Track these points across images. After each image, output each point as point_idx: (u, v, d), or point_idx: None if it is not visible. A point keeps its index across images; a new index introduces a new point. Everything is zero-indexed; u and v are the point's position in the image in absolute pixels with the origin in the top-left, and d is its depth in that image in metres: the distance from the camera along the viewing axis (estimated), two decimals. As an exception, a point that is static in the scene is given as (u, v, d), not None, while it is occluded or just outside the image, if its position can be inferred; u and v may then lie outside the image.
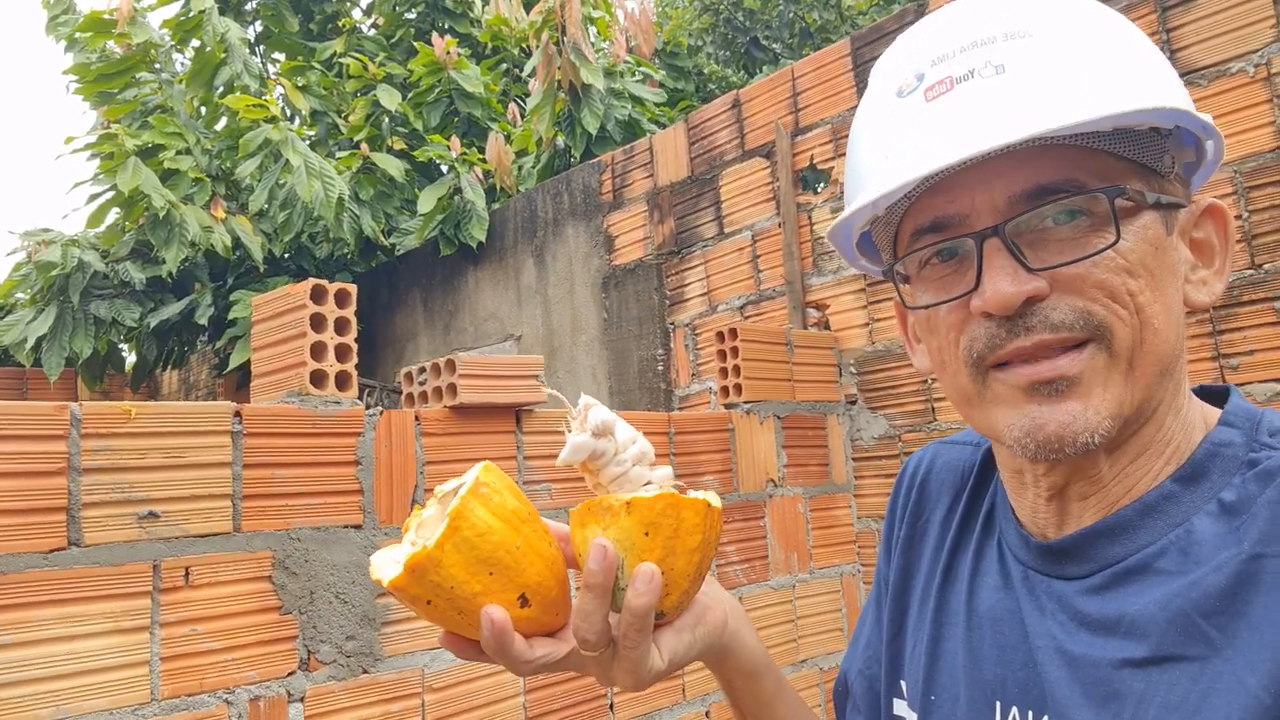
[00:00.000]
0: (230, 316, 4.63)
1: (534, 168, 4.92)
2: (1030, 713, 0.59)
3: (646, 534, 0.60)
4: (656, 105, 5.03)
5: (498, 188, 4.95)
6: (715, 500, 0.63)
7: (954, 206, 0.58)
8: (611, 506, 0.60)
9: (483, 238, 4.25)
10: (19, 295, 4.88)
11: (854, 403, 2.70)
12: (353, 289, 1.62)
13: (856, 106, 2.94)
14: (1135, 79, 0.55)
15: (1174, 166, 0.59)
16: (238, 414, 1.45)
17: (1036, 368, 0.56)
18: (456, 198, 4.43)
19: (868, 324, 2.69)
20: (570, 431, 0.63)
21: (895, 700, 0.72)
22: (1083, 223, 0.55)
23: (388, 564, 0.59)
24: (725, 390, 2.44)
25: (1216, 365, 2.00)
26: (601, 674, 0.63)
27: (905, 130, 0.57)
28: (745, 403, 2.40)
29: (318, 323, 1.57)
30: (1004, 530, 0.67)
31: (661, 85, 5.48)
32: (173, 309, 4.75)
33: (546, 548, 0.61)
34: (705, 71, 6.50)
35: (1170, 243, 0.58)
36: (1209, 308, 0.61)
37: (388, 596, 1.59)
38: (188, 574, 1.38)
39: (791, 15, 6.87)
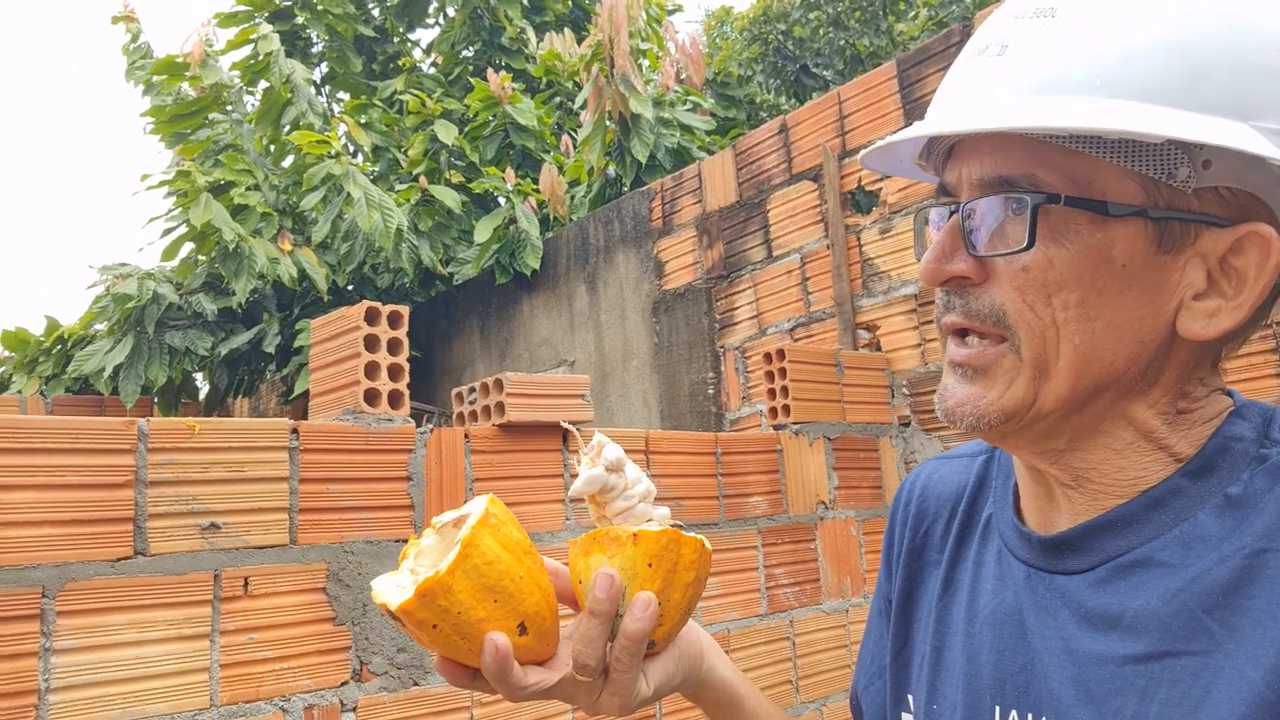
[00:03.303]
0: (296, 345, 4.79)
1: (586, 197, 5.00)
2: (1029, 715, 0.59)
3: (650, 565, 0.64)
4: (707, 133, 5.09)
5: (551, 217, 5.05)
6: (707, 542, 0.68)
7: (951, 175, 0.61)
8: (619, 537, 0.65)
9: (537, 266, 4.34)
10: (98, 326, 5.12)
11: (907, 424, 2.67)
12: (405, 311, 1.67)
13: (904, 128, 2.93)
14: (1113, 85, 0.51)
15: (1191, 180, 0.53)
16: (295, 430, 1.51)
17: (957, 349, 0.60)
18: (511, 228, 4.53)
19: (920, 344, 2.67)
20: (582, 465, 0.68)
21: (903, 714, 0.72)
22: (1021, 222, 0.55)
23: (391, 589, 0.62)
24: (773, 411, 2.43)
25: (1283, 382, 1.93)
26: (589, 702, 0.65)
27: (940, 89, 0.61)
28: (794, 424, 2.39)
29: (371, 344, 1.63)
30: (1004, 533, 0.67)
31: (712, 114, 5.54)
32: (242, 338, 4.93)
33: (545, 579, 0.65)
34: (756, 100, 6.55)
35: (1156, 261, 0.54)
36: (1207, 340, 0.55)
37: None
38: (246, 584, 1.43)
39: (841, 42, 6.90)
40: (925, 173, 0.66)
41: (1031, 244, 0.55)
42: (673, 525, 0.68)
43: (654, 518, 0.68)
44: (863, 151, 0.66)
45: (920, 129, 0.57)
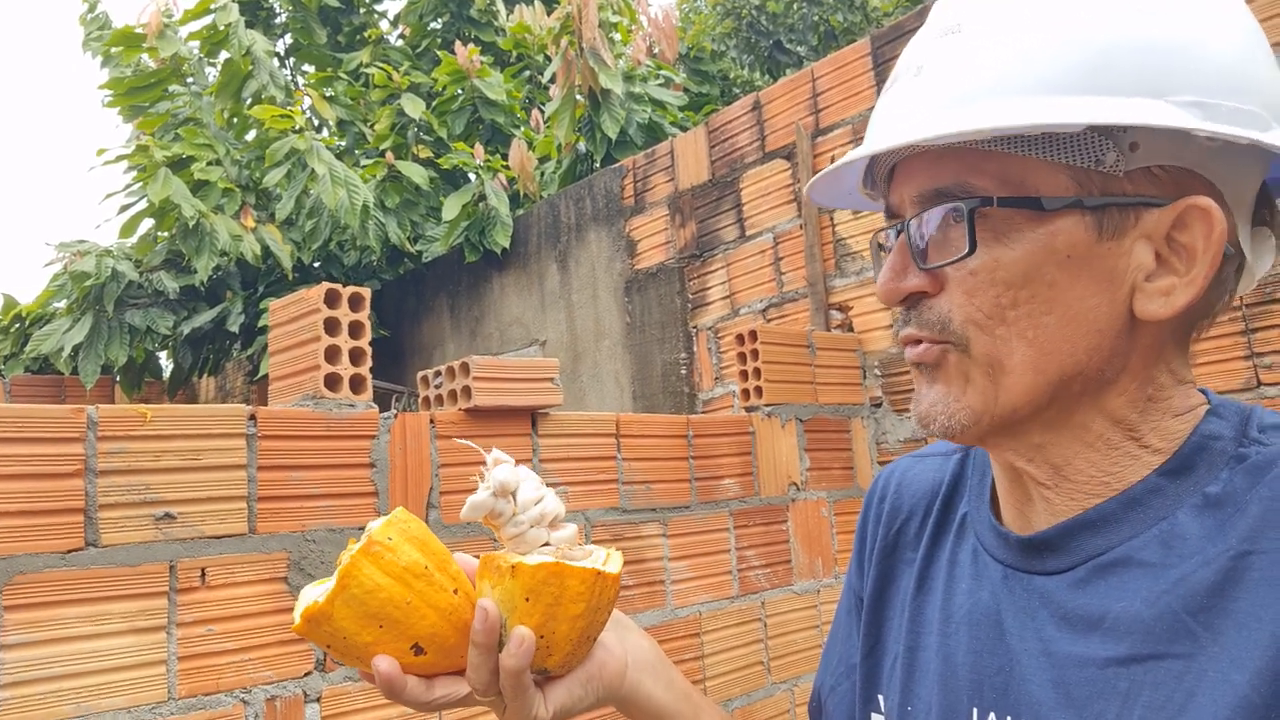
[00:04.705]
0: (260, 324, 4.69)
1: (556, 173, 4.93)
2: (1008, 717, 0.58)
3: (527, 599, 0.63)
4: (680, 109, 5.03)
5: (521, 194, 4.97)
6: (614, 565, 0.66)
7: (894, 198, 0.62)
8: (500, 567, 0.64)
9: (507, 244, 4.27)
10: (56, 305, 4.99)
11: (879, 405, 2.67)
12: (366, 293, 1.63)
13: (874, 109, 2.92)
14: (1026, 83, 0.53)
15: (1120, 164, 0.54)
16: (253, 417, 1.47)
17: (909, 350, 0.61)
18: (481, 205, 4.46)
19: (892, 325, 2.66)
20: (482, 483, 0.66)
21: (873, 715, 0.71)
22: (962, 229, 0.56)
23: (308, 602, 0.63)
24: (745, 393, 2.42)
25: (1250, 365, 1.94)
26: (498, 714, 0.66)
27: (871, 118, 0.63)
28: (766, 405, 2.38)
29: (332, 327, 1.58)
30: (979, 533, 0.66)
31: (685, 89, 5.48)
32: (205, 317, 4.82)
33: (445, 598, 0.64)
34: (730, 76, 6.49)
35: (1101, 249, 0.55)
36: (1165, 319, 0.56)
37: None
38: (204, 575, 1.39)
39: (815, 18, 6.84)
40: (874, 201, 0.68)
41: (973, 249, 0.55)
42: (576, 548, 0.66)
43: (551, 542, 0.66)
44: (805, 186, 0.67)
45: (847, 157, 0.59)
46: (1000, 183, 0.55)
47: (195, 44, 5.08)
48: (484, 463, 0.67)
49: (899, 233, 0.60)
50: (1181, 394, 0.59)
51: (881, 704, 0.70)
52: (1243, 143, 0.52)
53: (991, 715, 0.59)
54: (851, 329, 2.76)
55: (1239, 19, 0.55)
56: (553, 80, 4.73)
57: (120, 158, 4.56)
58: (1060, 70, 0.52)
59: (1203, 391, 0.61)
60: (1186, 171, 0.55)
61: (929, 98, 0.56)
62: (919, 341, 0.60)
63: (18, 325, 5.32)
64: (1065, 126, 0.52)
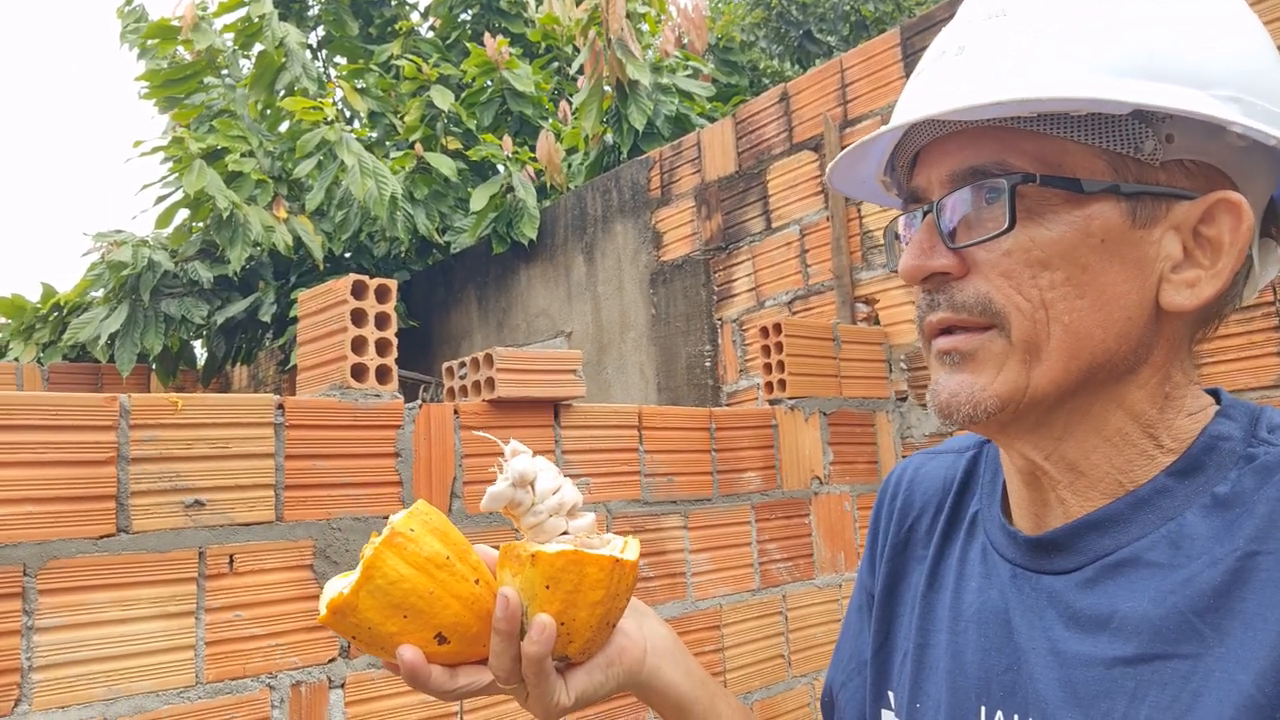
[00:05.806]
0: (292, 314, 4.76)
1: (583, 164, 4.94)
2: (1016, 716, 0.58)
3: (548, 587, 0.64)
4: (708, 100, 5.00)
5: (548, 185, 4.98)
6: (631, 552, 0.67)
7: (918, 180, 0.61)
8: (520, 556, 0.65)
9: (534, 235, 4.29)
10: (94, 294, 5.09)
11: (904, 399, 2.65)
12: (393, 284, 1.64)
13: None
14: (1075, 63, 0.53)
15: (1158, 153, 0.54)
16: (280, 406, 1.49)
17: (942, 339, 0.59)
18: (508, 196, 4.47)
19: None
20: (501, 474, 0.66)
21: (883, 711, 0.71)
22: (999, 207, 0.56)
23: (332, 594, 0.64)
24: (769, 386, 2.41)
25: (1285, 360, 1.90)
26: (521, 701, 0.67)
27: (901, 99, 0.62)
28: (789, 399, 2.37)
29: (359, 318, 1.60)
30: (989, 531, 0.66)
31: (714, 80, 5.45)
32: (238, 307, 4.90)
33: (467, 587, 0.65)
34: (760, 66, 6.45)
35: (1133, 236, 0.55)
36: (1189, 311, 0.56)
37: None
38: (232, 561, 1.42)
39: (846, 7, 6.77)
40: (888, 194, 0.67)
41: (1012, 225, 0.55)
42: (595, 537, 0.67)
43: (570, 530, 0.67)
44: (829, 166, 0.68)
45: (886, 127, 0.58)
46: (1039, 163, 0.55)
47: (229, 36, 5.14)
48: (503, 454, 0.68)
49: (926, 213, 0.60)
50: (1193, 394, 0.59)
51: (892, 700, 0.70)
52: (1270, 143, 0.53)
53: (999, 713, 0.59)
54: (878, 322, 2.74)
55: (1260, 28, 0.57)
56: (580, 72, 4.73)
57: (156, 149, 4.64)
58: (1110, 55, 0.53)
59: (1214, 392, 0.60)
60: (1212, 169, 0.55)
61: (975, 73, 0.56)
62: (952, 328, 0.59)
63: (56, 313, 5.43)
64: (1115, 105, 0.52)
